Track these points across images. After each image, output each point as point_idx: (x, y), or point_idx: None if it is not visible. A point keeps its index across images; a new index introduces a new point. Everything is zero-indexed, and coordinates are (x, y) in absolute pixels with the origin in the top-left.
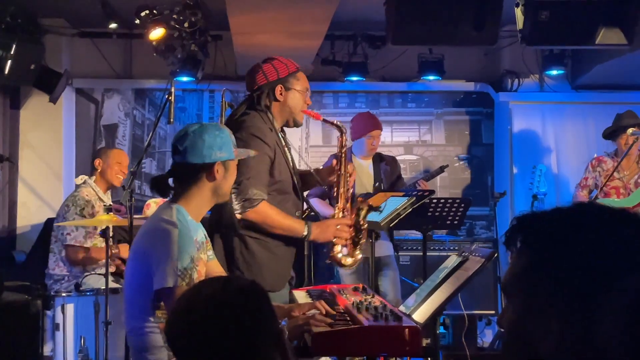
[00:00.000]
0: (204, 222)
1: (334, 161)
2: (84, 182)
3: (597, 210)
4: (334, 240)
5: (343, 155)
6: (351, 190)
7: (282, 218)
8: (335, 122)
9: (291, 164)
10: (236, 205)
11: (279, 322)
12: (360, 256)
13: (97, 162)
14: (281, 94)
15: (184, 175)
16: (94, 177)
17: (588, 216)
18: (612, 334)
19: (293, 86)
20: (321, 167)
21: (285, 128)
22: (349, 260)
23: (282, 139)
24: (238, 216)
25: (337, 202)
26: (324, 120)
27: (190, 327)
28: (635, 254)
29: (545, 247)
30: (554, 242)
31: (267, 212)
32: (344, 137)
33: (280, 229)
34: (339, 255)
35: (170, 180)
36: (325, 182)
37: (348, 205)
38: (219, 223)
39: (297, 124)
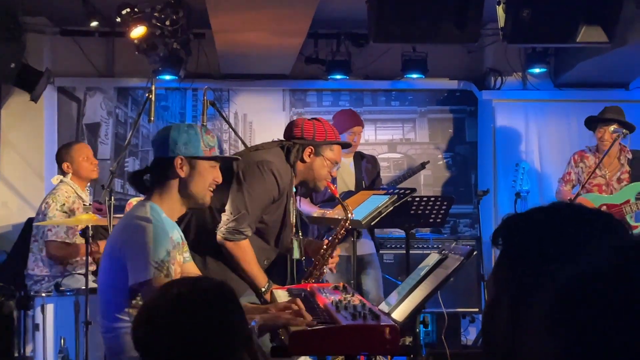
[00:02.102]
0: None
1: (326, 241)
2: (61, 181)
3: (567, 208)
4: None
5: (338, 238)
6: (324, 274)
7: (252, 263)
8: (347, 206)
9: (287, 220)
10: (223, 229)
11: (248, 322)
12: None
13: (64, 165)
14: (310, 155)
15: (154, 170)
16: (69, 175)
17: (554, 212)
18: (538, 326)
19: (323, 153)
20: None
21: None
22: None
23: (293, 194)
24: (218, 236)
25: (307, 278)
26: (339, 199)
27: (157, 327)
28: (576, 246)
29: (509, 241)
30: (514, 236)
31: (245, 252)
32: (348, 223)
33: (244, 272)
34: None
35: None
36: (307, 253)
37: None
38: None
39: (316, 190)
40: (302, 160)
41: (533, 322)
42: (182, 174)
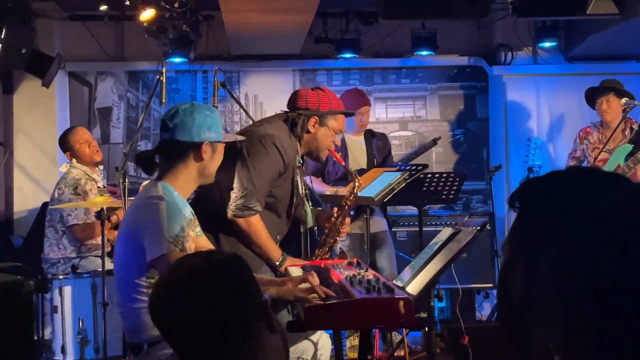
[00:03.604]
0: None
1: (335, 209)
2: (70, 166)
3: (581, 170)
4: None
5: (348, 204)
6: (338, 243)
7: (265, 238)
8: (354, 172)
9: (296, 191)
10: (232, 206)
11: (262, 293)
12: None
13: (67, 155)
14: (314, 126)
15: (171, 152)
16: (74, 161)
17: (569, 174)
18: (547, 278)
19: (327, 123)
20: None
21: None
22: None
23: (299, 165)
24: (229, 214)
25: (321, 247)
26: (345, 167)
27: (173, 302)
28: (587, 201)
29: (524, 203)
30: (530, 197)
31: (256, 227)
32: (357, 188)
33: (257, 247)
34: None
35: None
36: (319, 224)
37: (327, 255)
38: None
39: (319, 160)
40: (307, 131)
41: (546, 274)
42: (205, 158)
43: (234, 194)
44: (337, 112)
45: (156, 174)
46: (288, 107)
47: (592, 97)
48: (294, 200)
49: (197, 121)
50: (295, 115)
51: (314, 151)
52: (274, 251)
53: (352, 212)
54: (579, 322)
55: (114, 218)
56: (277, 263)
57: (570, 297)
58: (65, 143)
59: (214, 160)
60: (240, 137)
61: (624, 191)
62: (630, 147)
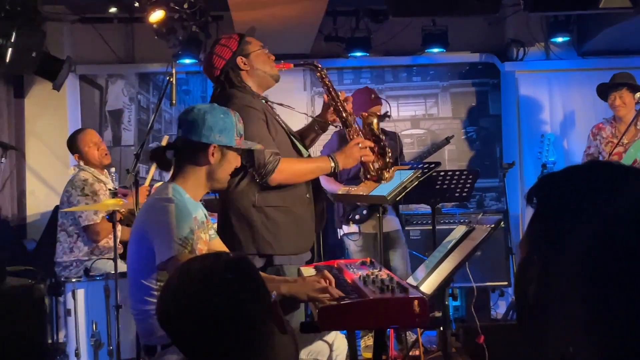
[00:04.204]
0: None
1: (325, 96)
2: (78, 169)
3: (599, 164)
4: (362, 160)
5: (329, 86)
6: (352, 115)
7: (306, 164)
8: (306, 61)
9: (284, 126)
10: (259, 178)
11: (270, 293)
12: (393, 168)
13: (76, 157)
14: (244, 63)
15: (183, 151)
16: (81, 163)
17: (588, 169)
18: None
19: (250, 50)
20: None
21: (288, 111)
22: (386, 175)
23: (269, 105)
24: (262, 182)
25: (349, 127)
26: (296, 65)
27: (181, 303)
28: (607, 198)
29: (542, 198)
30: (548, 192)
31: (290, 166)
32: (322, 72)
33: (310, 174)
34: (375, 173)
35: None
36: (328, 121)
37: (355, 127)
38: (231, 204)
39: (275, 79)
40: (243, 70)
41: (565, 272)
42: (213, 161)
43: (250, 168)
44: (243, 38)
45: (169, 174)
46: (213, 80)
47: (605, 92)
48: (294, 138)
49: (209, 122)
50: (223, 77)
51: (265, 78)
52: (323, 163)
53: (364, 212)
54: (605, 325)
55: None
56: (333, 166)
57: (594, 298)
58: (73, 145)
59: (222, 165)
60: (258, 146)
61: None
62: None
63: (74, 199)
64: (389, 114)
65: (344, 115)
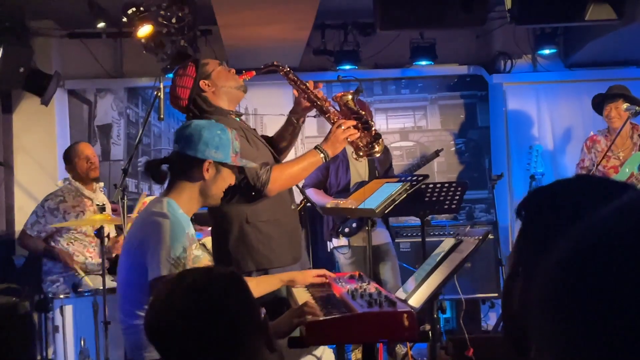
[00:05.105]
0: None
1: (294, 91)
2: (65, 184)
3: (586, 178)
4: (349, 139)
5: (295, 81)
6: (325, 100)
7: (297, 164)
8: (266, 65)
9: (262, 140)
10: (256, 193)
11: (260, 310)
12: (381, 139)
13: (66, 168)
14: (208, 85)
15: (177, 165)
16: (70, 177)
17: (573, 182)
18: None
19: (209, 71)
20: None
21: (275, 121)
22: (377, 148)
23: (242, 121)
24: (270, 194)
25: (327, 113)
26: (258, 70)
27: (172, 317)
28: (588, 213)
29: (528, 211)
30: (534, 205)
31: (283, 172)
32: (285, 69)
33: (304, 172)
34: (366, 148)
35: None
36: (303, 112)
37: (333, 110)
38: (224, 221)
39: (243, 90)
40: (206, 92)
41: (543, 284)
42: (207, 177)
43: (244, 185)
44: (199, 63)
45: (163, 188)
46: (184, 111)
47: (600, 104)
48: (271, 148)
49: (205, 138)
50: (192, 105)
51: (232, 92)
52: (312, 158)
53: (354, 225)
54: (574, 337)
55: (112, 242)
56: (323, 157)
57: (571, 312)
58: (66, 157)
59: (216, 181)
60: (252, 164)
61: (628, 199)
62: None
63: (37, 209)
64: (361, 88)
65: (319, 103)
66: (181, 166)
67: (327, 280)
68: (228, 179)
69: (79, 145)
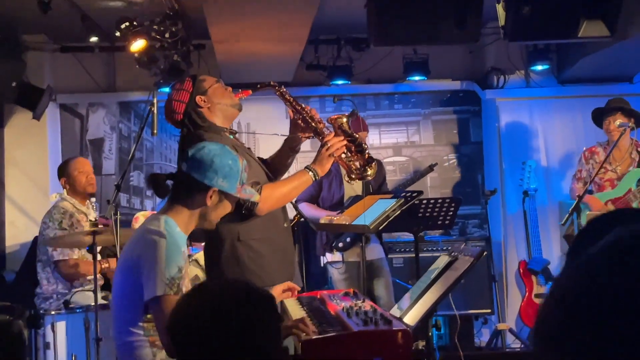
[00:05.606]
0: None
1: (290, 112)
2: (59, 198)
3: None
4: (342, 157)
5: (291, 101)
6: (320, 122)
7: (287, 184)
8: (262, 84)
9: (255, 157)
10: (247, 212)
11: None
12: (374, 163)
13: (62, 181)
14: (204, 100)
15: (181, 185)
16: (65, 191)
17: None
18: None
19: (206, 87)
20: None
21: (270, 141)
22: (369, 171)
23: (236, 139)
24: (260, 213)
25: (321, 134)
26: (254, 89)
27: (197, 324)
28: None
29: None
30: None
31: (273, 191)
32: (281, 90)
33: (294, 191)
34: (358, 171)
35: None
36: (300, 135)
37: (328, 132)
38: (216, 239)
39: (238, 108)
40: (203, 108)
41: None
42: (209, 204)
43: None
44: (196, 79)
45: (158, 206)
46: (178, 126)
47: (599, 116)
48: (264, 166)
49: (215, 165)
50: (187, 119)
51: (227, 110)
52: (303, 177)
53: (347, 240)
54: None
55: (104, 266)
56: (312, 176)
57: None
58: (64, 169)
59: (217, 209)
60: (256, 198)
61: (621, 233)
62: None
63: (51, 232)
64: (356, 111)
65: (314, 124)
66: (185, 187)
67: (292, 296)
68: (228, 207)
69: (78, 160)
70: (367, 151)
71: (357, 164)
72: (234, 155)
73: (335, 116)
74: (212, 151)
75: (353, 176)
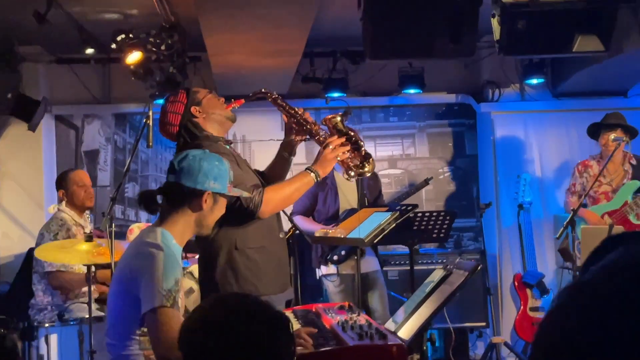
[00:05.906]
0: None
1: (284, 116)
2: (57, 210)
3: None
4: (339, 159)
5: (284, 106)
6: (314, 123)
7: (289, 185)
8: (254, 93)
9: (250, 166)
10: (248, 216)
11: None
12: (371, 158)
13: (60, 193)
14: (199, 111)
15: (173, 195)
16: (63, 203)
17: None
18: None
19: (200, 98)
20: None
21: (265, 150)
22: (367, 167)
23: (231, 148)
24: (262, 216)
25: (316, 135)
26: (247, 98)
27: (214, 334)
28: None
29: None
30: None
31: (275, 193)
32: (273, 96)
33: (296, 193)
34: (357, 170)
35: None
36: (295, 139)
37: (323, 133)
38: (212, 248)
39: (231, 120)
40: (198, 118)
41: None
42: (205, 208)
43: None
44: (193, 92)
45: (152, 217)
46: (175, 138)
47: (596, 131)
48: (258, 174)
49: (205, 169)
50: (183, 130)
51: (221, 120)
52: (304, 178)
53: (342, 252)
54: None
55: (100, 289)
56: (314, 177)
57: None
58: (62, 181)
59: (213, 212)
60: (246, 194)
61: (620, 254)
62: (638, 183)
63: (45, 243)
64: (349, 111)
65: (309, 126)
66: (178, 197)
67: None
68: (223, 209)
69: (76, 173)
70: (363, 147)
71: (355, 161)
72: (218, 156)
73: (329, 116)
74: (197, 156)
75: (352, 173)
